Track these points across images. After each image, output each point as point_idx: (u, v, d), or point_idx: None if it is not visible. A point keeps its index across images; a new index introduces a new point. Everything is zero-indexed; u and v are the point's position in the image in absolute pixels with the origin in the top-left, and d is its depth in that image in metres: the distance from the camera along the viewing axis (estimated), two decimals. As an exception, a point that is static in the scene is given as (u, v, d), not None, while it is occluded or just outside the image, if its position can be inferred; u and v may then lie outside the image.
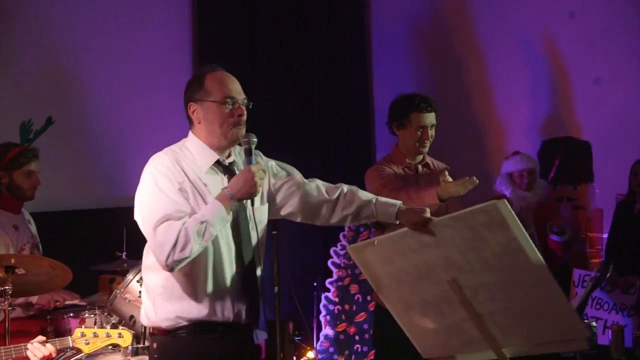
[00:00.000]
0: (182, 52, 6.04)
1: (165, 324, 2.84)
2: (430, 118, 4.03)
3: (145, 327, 3.83)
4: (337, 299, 6.02)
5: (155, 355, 2.87)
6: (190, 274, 2.81)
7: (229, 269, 2.86)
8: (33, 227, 4.48)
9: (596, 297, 4.64)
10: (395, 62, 6.75)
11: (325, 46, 6.69)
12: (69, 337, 3.32)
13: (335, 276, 6.07)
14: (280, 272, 4.56)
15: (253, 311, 2.92)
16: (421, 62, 6.76)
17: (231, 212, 2.79)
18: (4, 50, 5.19)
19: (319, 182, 3.23)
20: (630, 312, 4.57)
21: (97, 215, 5.40)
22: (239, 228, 2.89)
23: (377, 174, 4.06)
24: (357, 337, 5.98)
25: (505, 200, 2.79)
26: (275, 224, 4.64)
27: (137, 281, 3.97)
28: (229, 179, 2.91)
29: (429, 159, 4.14)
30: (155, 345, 2.88)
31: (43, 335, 4.00)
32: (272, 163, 3.18)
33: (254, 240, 2.95)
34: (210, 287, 2.82)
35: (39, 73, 5.30)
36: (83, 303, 4.40)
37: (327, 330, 5.99)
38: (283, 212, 3.15)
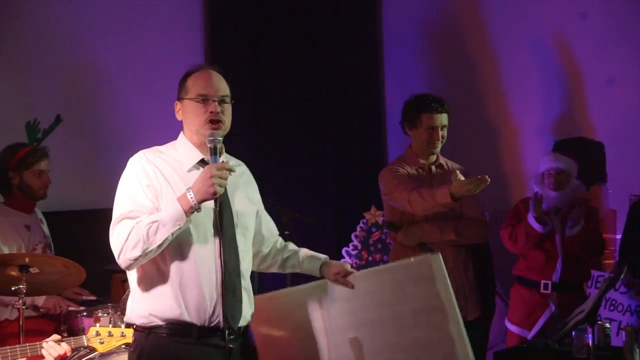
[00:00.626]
0: (194, 52, 6.04)
1: (140, 321, 2.83)
2: (442, 119, 4.04)
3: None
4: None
5: (131, 349, 2.90)
6: (166, 272, 2.79)
7: (208, 271, 2.81)
8: (45, 227, 4.50)
9: (610, 299, 4.61)
10: (407, 62, 6.74)
11: (336, 47, 6.68)
12: (83, 336, 3.32)
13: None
14: (292, 272, 4.58)
15: (233, 314, 2.84)
16: (433, 63, 6.74)
17: (191, 213, 2.71)
18: (13, 49, 5.20)
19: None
20: None
21: (109, 214, 5.40)
22: (221, 230, 2.82)
23: (391, 174, 4.06)
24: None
25: (440, 255, 2.82)
26: (287, 224, 4.67)
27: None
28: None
29: (442, 160, 4.14)
30: (133, 338, 2.91)
31: (56, 334, 4.03)
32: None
33: (240, 244, 2.90)
34: (186, 287, 2.78)
35: (48, 71, 5.31)
36: (92, 297, 4.41)
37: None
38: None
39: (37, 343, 3.24)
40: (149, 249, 2.70)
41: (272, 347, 3.11)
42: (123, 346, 3.40)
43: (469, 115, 6.10)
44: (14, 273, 3.61)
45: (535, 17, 6.31)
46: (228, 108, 2.92)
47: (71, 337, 3.32)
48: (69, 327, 4.27)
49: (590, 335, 3.51)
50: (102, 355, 3.47)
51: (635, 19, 5.93)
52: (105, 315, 4.24)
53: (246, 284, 2.94)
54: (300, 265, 3.19)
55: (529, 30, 6.33)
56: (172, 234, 2.70)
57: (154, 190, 2.80)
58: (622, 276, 3.71)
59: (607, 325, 4.13)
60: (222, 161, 2.81)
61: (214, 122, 2.87)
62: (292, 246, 3.25)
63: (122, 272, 4.73)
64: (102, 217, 5.31)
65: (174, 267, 2.79)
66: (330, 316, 2.94)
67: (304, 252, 3.22)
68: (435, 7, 6.74)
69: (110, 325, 3.96)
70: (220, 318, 2.80)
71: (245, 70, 6.07)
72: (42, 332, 4.06)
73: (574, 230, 4.78)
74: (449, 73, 6.62)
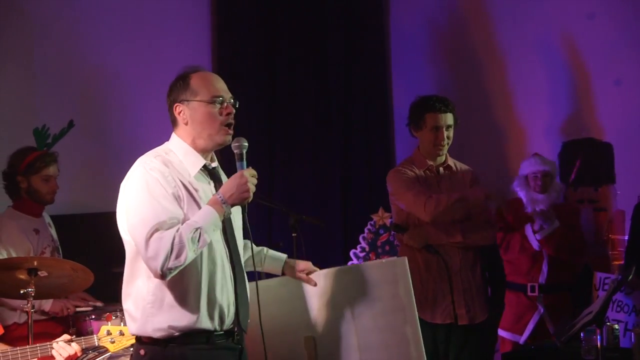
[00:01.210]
0: (202, 56, 6.05)
1: (158, 334, 2.74)
2: (446, 119, 4.01)
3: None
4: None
5: None
6: (182, 281, 2.73)
7: (222, 276, 2.81)
8: (53, 231, 4.52)
9: (616, 300, 4.60)
10: (414, 64, 6.73)
11: (344, 49, 6.68)
12: (94, 335, 3.32)
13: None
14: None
15: (244, 316, 2.87)
16: (440, 64, 6.73)
17: (223, 218, 2.73)
18: (23, 54, 5.23)
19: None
20: None
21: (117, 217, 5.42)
22: (227, 234, 2.84)
23: (399, 176, 4.05)
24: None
25: (405, 260, 2.87)
26: (294, 226, 4.67)
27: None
28: (215, 184, 2.88)
29: (451, 161, 4.12)
30: (142, 352, 2.78)
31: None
32: None
33: (239, 246, 2.92)
34: (203, 295, 2.76)
35: (57, 76, 5.33)
36: (99, 304, 4.42)
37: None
38: None
39: (48, 343, 3.25)
40: (191, 257, 2.66)
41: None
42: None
43: (476, 116, 6.10)
44: (22, 276, 3.62)
45: (543, 18, 6.30)
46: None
47: (82, 337, 3.32)
48: (77, 330, 4.28)
49: (599, 337, 3.50)
50: (112, 356, 3.46)
51: (643, 19, 5.92)
52: (115, 318, 4.24)
53: (247, 284, 2.96)
54: (263, 264, 3.17)
55: (536, 31, 6.31)
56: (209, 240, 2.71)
57: (178, 198, 2.75)
58: (630, 278, 3.69)
59: (616, 326, 4.12)
60: (249, 167, 2.80)
61: (229, 125, 2.84)
62: (253, 247, 3.16)
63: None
64: (110, 220, 5.36)
65: (191, 276, 2.75)
66: (289, 314, 2.95)
67: (266, 251, 3.20)
68: (443, 8, 6.73)
69: (122, 324, 3.96)
70: (234, 320, 2.82)
71: (253, 74, 6.07)
72: (51, 335, 4.04)
73: (545, 231, 4.80)
74: (456, 74, 6.61)
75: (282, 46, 6.44)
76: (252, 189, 2.73)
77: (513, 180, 5.17)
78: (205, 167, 2.87)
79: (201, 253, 2.74)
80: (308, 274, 3.09)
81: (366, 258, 6.06)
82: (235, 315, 2.83)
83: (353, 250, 6.13)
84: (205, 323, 2.76)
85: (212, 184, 2.88)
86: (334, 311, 2.90)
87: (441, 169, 4.09)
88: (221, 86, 2.87)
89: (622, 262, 5.25)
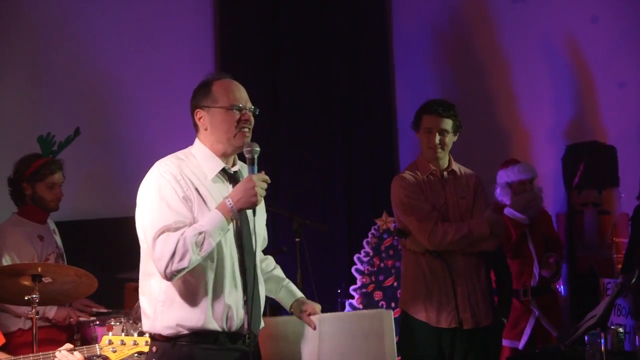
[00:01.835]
0: (205, 63, 6.07)
1: (167, 331, 2.83)
2: (440, 123, 3.95)
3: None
4: (361, 306, 6.00)
5: (154, 359, 2.89)
6: (192, 282, 2.81)
7: (231, 278, 2.86)
8: (58, 238, 4.52)
9: (616, 304, 4.60)
10: (418, 67, 6.74)
11: (347, 52, 6.69)
12: (96, 345, 3.34)
13: (359, 283, 6.06)
14: (304, 279, 4.58)
15: (255, 320, 2.91)
16: (443, 68, 6.74)
17: (232, 222, 2.79)
18: (28, 61, 5.25)
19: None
20: None
21: (122, 223, 5.40)
22: (242, 238, 2.89)
23: (403, 192, 4.00)
24: (381, 344, 5.96)
25: (392, 312, 3.07)
26: (298, 231, 4.67)
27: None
28: (234, 187, 2.91)
29: (455, 166, 4.10)
30: (155, 349, 2.89)
31: (70, 343, 4.05)
32: None
33: (257, 252, 2.97)
34: (211, 296, 2.82)
35: (62, 84, 5.35)
36: (102, 309, 4.43)
37: (351, 338, 5.98)
38: None
39: (51, 352, 3.25)
40: (196, 260, 2.73)
41: None
42: (136, 355, 3.41)
43: (480, 119, 6.10)
44: (27, 283, 3.63)
45: (547, 21, 6.31)
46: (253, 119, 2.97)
47: (84, 346, 3.33)
48: (82, 336, 4.30)
49: (603, 340, 3.49)
50: (114, 365, 3.48)
51: (646, 22, 5.92)
52: (118, 324, 4.25)
53: (263, 289, 3.03)
54: (277, 293, 3.24)
55: (540, 34, 6.32)
56: (215, 243, 2.76)
57: (188, 201, 2.81)
58: (632, 281, 3.68)
59: (620, 330, 4.10)
60: (261, 171, 2.85)
61: (245, 131, 2.91)
62: (277, 272, 3.28)
63: (134, 281, 4.80)
64: (114, 226, 5.40)
65: (201, 277, 2.81)
66: (288, 352, 3.10)
67: (286, 282, 3.26)
68: (446, 12, 6.74)
69: (123, 334, 3.97)
70: (244, 324, 2.87)
71: (255, 78, 6.08)
72: (55, 342, 4.08)
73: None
74: (459, 78, 6.62)
75: (285, 50, 6.45)
76: (261, 193, 2.78)
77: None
78: (224, 170, 2.94)
79: (213, 255, 2.81)
80: (310, 314, 3.17)
81: (370, 262, 6.05)
82: (249, 319, 2.87)
83: (357, 255, 6.12)
84: (213, 324, 2.82)
85: (231, 187, 2.93)
86: (326, 356, 3.04)
87: (445, 173, 4.06)
88: (242, 95, 2.95)
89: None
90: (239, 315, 2.86)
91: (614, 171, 5.84)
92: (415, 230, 3.91)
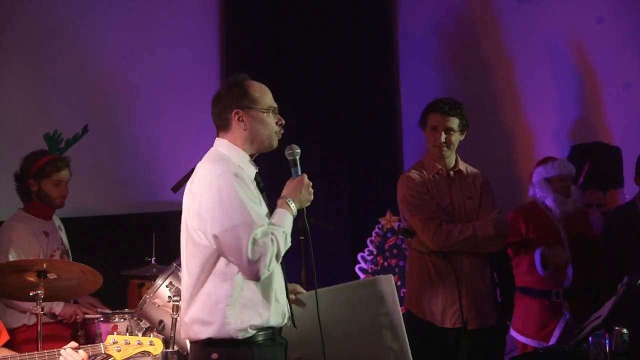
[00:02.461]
0: (211, 62, 6.08)
1: (240, 335, 2.80)
2: (447, 121, 3.94)
3: (174, 333, 3.85)
4: (364, 305, 6.01)
5: None
6: (259, 282, 2.82)
7: (279, 275, 2.92)
8: (63, 234, 4.53)
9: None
10: (422, 67, 6.74)
11: (352, 51, 6.69)
12: (100, 343, 3.34)
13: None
14: (308, 278, 4.58)
15: (291, 312, 2.99)
16: (448, 68, 6.74)
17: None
18: (34, 59, 5.25)
19: None
20: None
21: (126, 220, 5.45)
22: (306, 235, 3.07)
23: (408, 192, 3.99)
24: (384, 343, 5.96)
25: (391, 277, 3.02)
26: (303, 229, 4.67)
27: (167, 286, 4.00)
28: (259, 189, 2.95)
29: (462, 165, 4.09)
30: (215, 355, 2.81)
31: (74, 339, 4.06)
32: None
33: None
34: (273, 294, 2.87)
35: (69, 81, 5.36)
36: (107, 311, 4.43)
37: (354, 336, 5.98)
38: None
39: (55, 350, 3.26)
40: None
41: None
42: (140, 354, 3.42)
43: (484, 119, 6.09)
44: (32, 279, 3.64)
45: (551, 22, 6.30)
46: None
47: (89, 345, 3.35)
48: (86, 333, 4.30)
49: (607, 341, 3.49)
50: (119, 363, 3.49)
51: (651, 23, 5.92)
52: (122, 320, 4.26)
53: None
54: None
55: (544, 34, 6.32)
56: None
57: (258, 201, 2.86)
58: (638, 282, 3.67)
59: (625, 330, 4.09)
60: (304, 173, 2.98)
61: (279, 134, 3.00)
62: None
63: (138, 278, 4.82)
64: (119, 223, 5.42)
65: (266, 277, 2.83)
66: (298, 335, 3.03)
67: None
68: (450, 12, 6.74)
69: (128, 333, 3.98)
70: (287, 316, 2.94)
71: (260, 78, 6.06)
72: (60, 338, 4.09)
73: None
74: (464, 78, 6.61)
75: (290, 50, 6.45)
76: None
77: (521, 185, 5.15)
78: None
79: None
80: (295, 295, 3.19)
81: (374, 261, 6.06)
82: (291, 312, 2.97)
83: (361, 254, 6.12)
84: (275, 320, 2.88)
85: (256, 188, 2.97)
86: (322, 332, 2.98)
87: (452, 172, 4.05)
88: (272, 97, 3.02)
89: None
90: (287, 308, 2.94)
91: (618, 172, 5.83)
92: (419, 230, 3.91)
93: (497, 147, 6.28)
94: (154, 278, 4.29)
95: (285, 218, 2.83)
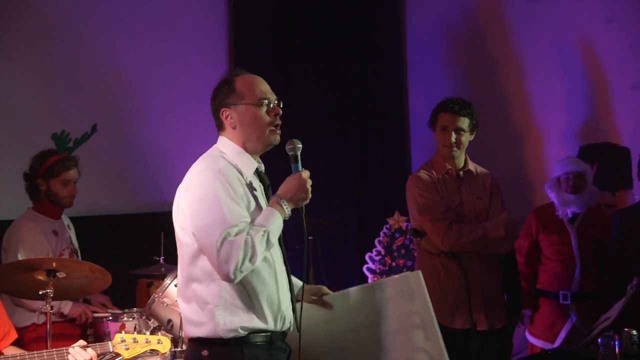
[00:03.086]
0: (219, 60, 6.09)
1: (229, 334, 2.74)
2: (457, 121, 3.94)
3: (182, 332, 3.86)
4: (372, 305, 6.01)
5: None
6: (250, 282, 2.74)
7: (281, 278, 2.84)
8: (72, 233, 4.54)
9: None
10: (431, 67, 6.73)
11: (360, 51, 6.69)
12: (109, 342, 3.34)
13: (370, 282, 6.06)
14: (316, 277, 4.58)
15: (296, 317, 2.90)
16: (457, 68, 6.73)
17: (284, 220, 2.76)
18: (43, 59, 5.27)
19: None
20: None
21: (135, 219, 5.46)
22: (283, 235, 2.87)
23: (417, 192, 3.98)
24: (392, 344, 5.96)
25: (420, 273, 2.84)
26: (311, 229, 4.67)
27: (175, 285, 3.99)
28: (264, 187, 2.90)
29: (472, 165, 4.08)
30: (205, 352, 2.75)
31: (82, 337, 4.07)
32: None
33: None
34: (268, 296, 2.78)
35: (76, 81, 5.37)
36: (117, 311, 4.44)
37: (361, 337, 5.97)
38: None
39: (64, 348, 3.26)
40: (261, 260, 2.68)
41: None
42: (148, 352, 3.42)
43: (493, 120, 6.07)
44: (41, 277, 3.64)
45: (560, 22, 6.28)
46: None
47: (97, 343, 3.34)
48: (95, 332, 4.31)
49: (617, 343, 3.47)
50: (127, 360, 3.49)
51: (661, 24, 5.89)
52: (131, 319, 4.27)
53: None
54: None
55: (553, 34, 6.30)
56: None
57: (244, 199, 2.75)
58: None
59: (634, 332, 4.07)
60: (304, 169, 2.82)
61: (277, 126, 2.85)
62: None
63: (147, 277, 4.83)
64: (127, 222, 5.43)
65: (256, 278, 2.76)
66: (309, 341, 2.93)
67: None
68: (459, 12, 6.72)
69: (135, 332, 3.98)
70: (290, 322, 2.85)
71: (269, 77, 6.06)
72: (69, 336, 4.10)
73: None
74: (473, 78, 6.60)
75: (298, 50, 6.46)
76: (310, 190, 2.77)
77: (529, 185, 5.14)
78: (256, 169, 2.90)
79: (268, 256, 2.78)
80: (321, 297, 3.08)
81: (382, 262, 6.05)
82: (296, 318, 2.87)
83: (368, 254, 6.12)
84: (270, 323, 2.78)
85: (262, 186, 2.90)
86: (352, 335, 2.91)
87: (461, 173, 4.04)
88: (266, 88, 2.88)
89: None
90: (288, 313, 2.84)
91: (627, 173, 5.81)
92: (429, 230, 3.89)
93: (505, 148, 6.26)
94: (162, 277, 4.30)
95: (271, 218, 2.70)
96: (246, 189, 2.78)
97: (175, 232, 2.86)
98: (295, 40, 6.46)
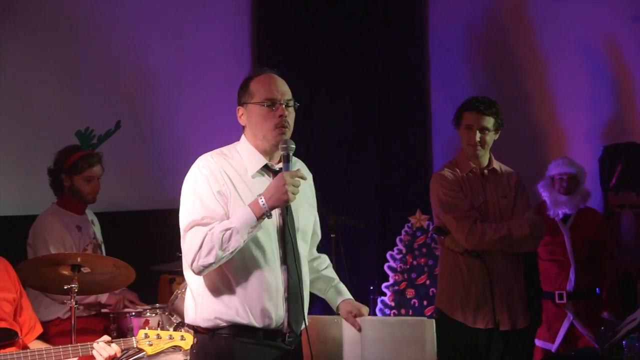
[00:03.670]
0: (242, 58, 6.11)
1: (205, 324, 2.83)
2: (482, 120, 3.91)
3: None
4: (393, 303, 6.00)
5: (194, 350, 2.91)
6: (231, 278, 2.79)
7: (273, 275, 2.83)
8: (97, 228, 4.57)
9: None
10: (453, 67, 6.70)
11: (383, 52, 6.68)
12: (133, 337, 3.37)
13: (391, 280, 6.05)
14: (338, 275, 4.58)
15: (296, 319, 2.87)
16: (479, 67, 6.69)
17: (262, 220, 2.73)
18: (67, 55, 5.30)
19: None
20: None
21: (157, 215, 5.47)
22: (285, 235, 2.85)
23: (441, 190, 3.96)
24: (412, 342, 5.95)
25: (434, 321, 2.98)
26: (333, 227, 4.69)
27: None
28: None
29: (496, 164, 4.05)
30: (195, 340, 2.91)
31: (105, 332, 4.10)
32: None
33: (301, 249, 2.92)
34: (252, 291, 2.79)
35: (101, 78, 5.40)
36: (147, 307, 4.46)
37: (382, 335, 5.97)
38: None
39: (88, 344, 3.29)
40: (223, 256, 2.71)
41: None
42: (171, 349, 3.44)
43: (516, 119, 6.02)
44: (66, 272, 3.67)
45: (585, 20, 6.23)
46: (292, 112, 2.91)
47: (121, 339, 3.37)
48: (118, 327, 4.33)
49: (642, 345, 3.44)
50: (150, 356, 3.51)
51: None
52: (154, 315, 4.29)
53: (306, 288, 2.97)
54: (325, 292, 3.19)
55: (578, 33, 6.25)
56: (244, 240, 2.73)
57: (223, 196, 2.79)
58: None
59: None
60: (296, 169, 2.81)
61: (281, 126, 2.86)
62: (328, 271, 3.21)
63: (169, 273, 4.85)
64: (150, 218, 5.45)
65: (240, 273, 2.80)
66: (329, 353, 3.07)
67: (335, 282, 3.19)
68: (481, 11, 6.69)
69: (159, 328, 4.00)
70: (284, 321, 2.85)
71: (292, 75, 6.07)
72: (93, 331, 4.14)
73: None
74: (495, 77, 6.56)
75: (321, 49, 6.47)
76: (293, 190, 2.73)
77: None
78: (267, 167, 2.90)
79: (251, 252, 2.79)
80: (355, 316, 3.09)
81: (403, 260, 6.04)
82: (289, 317, 2.85)
83: (390, 252, 6.11)
84: (250, 320, 2.80)
85: None
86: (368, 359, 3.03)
87: (485, 171, 4.02)
88: (277, 88, 2.89)
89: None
90: (278, 313, 2.83)
91: (652, 173, 5.77)
92: (453, 228, 3.88)
93: (528, 147, 6.22)
94: (184, 274, 4.30)
95: (242, 216, 2.71)
96: (231, 185, 2.81)
97: None
98: (317, 39, 6.47)
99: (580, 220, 4.88)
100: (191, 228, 2.74)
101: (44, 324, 3.83)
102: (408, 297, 5.99)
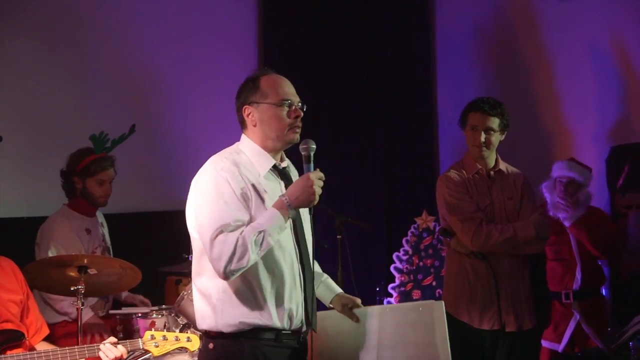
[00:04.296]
0: (249, 60, 6.12)
1: (229, 329, 2.80)
2: (487, 121, 3.92)
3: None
4: (399, 305, 6.00)
5: (212, 356, 2.85)
6: (253, 280, 2.78)
7: (291, 276, 2.85)
8: (106, 230, 4.58)
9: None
10: (460, 67, 6.69)
11: (390, 52, 6.68)
12: (139, 339, 3.38)
13: (397, 281, 6.05)
14: (344, 276, 4.59)
15: (311, 317, 2.90)
16: (486, 68, 6.68)
17: (289, 220, 2.76)
18: (78, 59, 5.33)
19: None
20: None
21: (164, 217, 5.48)
22: (298, 234, 2.87)
23: (447, 192, 3.96)
24: (419, 344, 5.94)
25: (443, 303, 2.93)
26: (339, 228, 4.67)
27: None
28: (285, 184, 2.90)
29: (503, 165, 4.05)
30: (211, 345, 2.84)
31: (112, 334, 4.11)
32: None
33: (309, 246, 2.94)
34: (273, 293, 2.80)
35: (111, 82, 5.43)
36: (155, 308, 4.48)
37: (389, 336, 5.97)
38: None
39: (95, 345, 3.30)
40: (255, 259, 2.70)
41: None
42: (177, 349, 3.45)
43: (523, 120, 6.02)
44: (73, 274, 3.69)
45: (593, 21, 6.20)
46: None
47: (127, 340, 3.38)
48: (124, 328, 4.34)
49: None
50: (157, 357, 3.52)
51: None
52: (160, 316, 4.29)
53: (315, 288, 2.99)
54: (316, 288, 3.16)
55: (585, 34, 6.22)
56: (274, 242, 2.73)
57: (246, 197, 2.78)
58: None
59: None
60: (317, 169, 2.82)
61: (296, 127, 2.87)
62: (316, 268, 3.20)
63: (176, 275, 4.86)
64: (157, 219, 5.47)
65: (263, 275, 2.79)
66: (330, 348, 3.02)
67: (324, 278, 3.21)
68: (488, 12, 6.67)
69: (165, 329, 4.01)
70: (301, 321, 2.86)
71: (298, 75, 6.07)
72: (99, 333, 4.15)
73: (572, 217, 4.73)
74: (502, 78, 6.55)
75: (328, 48, 6.48)
76: (318, 191, 2.75)
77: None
78: (275, 167, 2.91)
79: (273, 253, 2.79)
80: (351, 308, 3.11)
81: (409, 261, 6.04)
82: (306, 316, 2.88)
83: (396, 253, 6.11)
84: (275, 321, 2.80)
85: (282, 184, 2.92)
86: (373, 351, 2.97)
87: (492, 172, 4.02)
88: (290, 90, 2.91)
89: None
90: (299, 313, 2.86)
91: (660, 174, 5.74)
92: (459, 230, 3.88)
93: (535, 148, 6.20)
94: (191, 275, 4.30)
95: (271, 218, 2.71)
96: (253, 187, 2.81)
97: (188, 227, 2.92)
98: (324, 39, 6.48)
99: (585, 218, 4.85)
100: (220, 233, 2.69)
101: (50, 325, 3.83)
102: (414, 298, 5.98)
